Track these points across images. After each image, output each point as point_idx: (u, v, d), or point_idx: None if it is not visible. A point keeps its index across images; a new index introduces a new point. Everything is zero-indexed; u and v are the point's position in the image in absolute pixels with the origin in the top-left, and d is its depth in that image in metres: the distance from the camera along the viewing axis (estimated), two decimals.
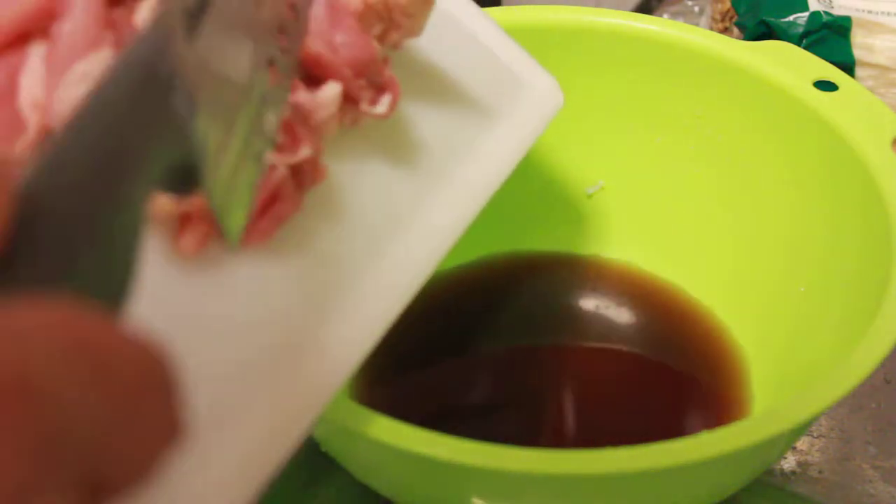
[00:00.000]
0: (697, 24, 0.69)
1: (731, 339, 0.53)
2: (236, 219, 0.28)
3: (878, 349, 0.38)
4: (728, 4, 0.70)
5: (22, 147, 0.29)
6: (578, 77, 0.55)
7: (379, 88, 0.36)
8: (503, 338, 0.55)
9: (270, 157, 0.31)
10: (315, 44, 0.34)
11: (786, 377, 0.47)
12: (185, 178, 0.25)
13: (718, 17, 0.71)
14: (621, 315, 0.56)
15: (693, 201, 0.56)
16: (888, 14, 0.65)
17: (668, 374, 0.53)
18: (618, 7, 0.58)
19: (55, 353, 0.18)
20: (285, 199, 0.33)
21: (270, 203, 0.32)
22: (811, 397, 0.37)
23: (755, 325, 0.52)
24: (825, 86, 0.50)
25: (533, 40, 0.54)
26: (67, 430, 0.18)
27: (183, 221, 0.31)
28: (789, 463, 0.50)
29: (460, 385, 0.52)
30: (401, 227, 0.37)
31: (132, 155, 0.22)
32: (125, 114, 0.23)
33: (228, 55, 0.27)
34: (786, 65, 0.51)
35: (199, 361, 0.29)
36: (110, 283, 0.21)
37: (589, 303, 0.56)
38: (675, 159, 0.56)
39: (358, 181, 0.37)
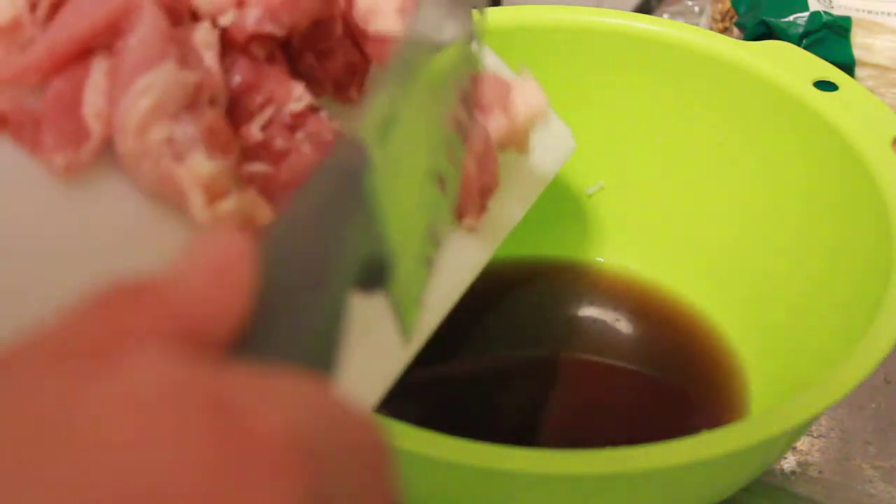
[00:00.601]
0: (697, 24, 0.69)
1: (728, 341, 0.53)
2: (411, 315, 0.29)
3: (877, 351, 0.38)
4: (728, 4, 0.70)
5: (87, 154, 0.31)
6: (578, 77, 0.55)
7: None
8: (500, 343, 0.54)
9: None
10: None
11: (785, 379, 0.47)
12: (373, 276, 0.27)
13: (718, 17, 0.71)
14: (619, 319, 0.56)
15: (692, 202, 0.56)
16: (888, 14, 0.65)
17: (667, 378, 0.53)
18: (618, 7, 0.58)
19: (318, 419, 0.20)
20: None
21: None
22: (810, 399, 0.37)
23: (754, 327, 0.52)
24: (825, 86, 0.51)
25: (532, 41, 0.54)
26: (331, 497, 0.19)
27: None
28: (789, 463, 0.49)
29: (456, 391, 0.52)
30: None
31: (337, 246, 0.25)
32: (330, 210, 0.25)
33: (410, 163, 0.30)
34: (786, 65, 0.51)
35: None
36: (325, 357, 0.23)
37: (588, 308, 0.57)
38: (675, 160, 0.56)
39: None
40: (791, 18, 0.65)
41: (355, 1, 0.39)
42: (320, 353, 0.23)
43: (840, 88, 0.50)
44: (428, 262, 0.31)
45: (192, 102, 0.30)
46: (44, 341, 0.19)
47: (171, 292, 0.21)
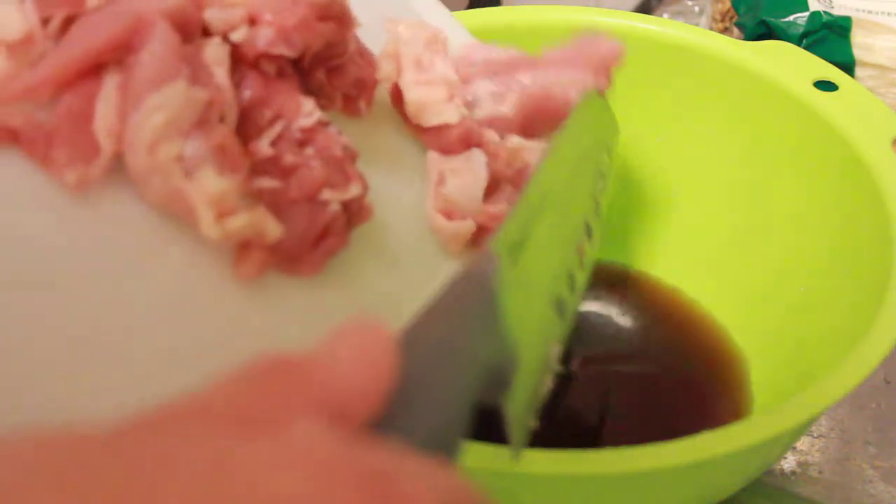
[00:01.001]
0: (697, 25, 0.69)
1: (730, 339, 0.53)
2: (523, 431, 0.30)
3: (878, 350, 0.38)
4: (728, 4, 0.70)
5: (97, 170, 0.31)
6: None
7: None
8: None
9: (324, 196, 0.34)
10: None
11: (786, 379, 0.47)
12: (494, 384, 0.27)
13: (718, 17, 0.71)
14: (620, 318, 0.56)
15: (692, 201, 0.56)
16: (888, 14, 0.65)
17: (668, 377, 0.53)
18: (618, 7, 0.58)
19: (454, 498, 0.22)
20: (336, 234, 0.35)
21: (322, 237, 0.34)
22: (810, 398, 0.37)
23: (755, 325, 0.53)
24: (825, 86, 0.51)
25: (533, 41, 0.54)
26: None
27: (242, 249, 0.33)
28: (789, 463, 0.50)
29: None
30: (433, 267, 0.40)
31: (468, 348, 0.26)
32: (463, 313, 0.27)
33: (536, 287, 0.32)
34: (786, 65, 0.52)
35: None
36: (450, 446, 0.24)
37: (589, 306, 0.57)
38: (675, 159, 0.56)
39: (397, 223, 0.39)
40: (791, 18, 0.65)
41: (405, 100, 0.40)
42: (446, 443, 0.24)
43: (840, 88, 0.50)
44: (539, 384, 0.31)
45: (202, 119, 0.30)
46: (210, 402, 0.21)
47: (322, 371, 0.22)
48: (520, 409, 0.29)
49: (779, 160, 0.52)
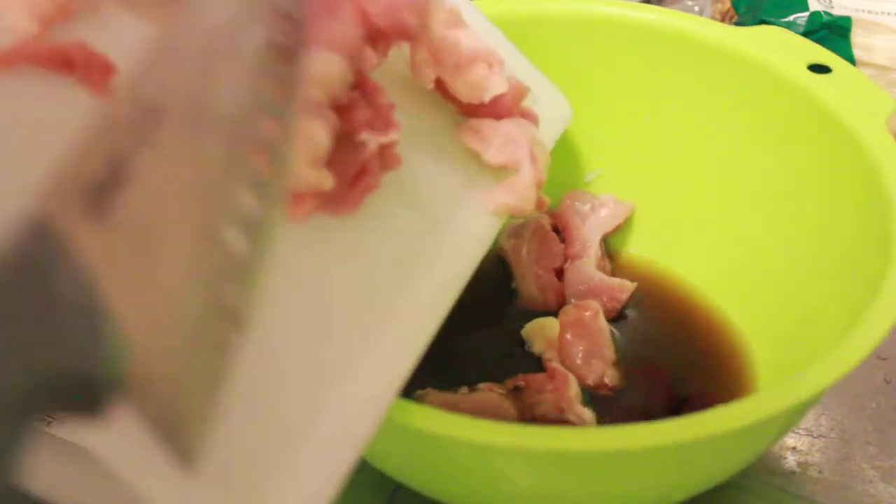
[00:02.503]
0: None
1: (730, 324, 0.53)
2: (191, 430, 0.22)
3: (877, 329, 0.38)
4: (728, 4, 0.70)
5: None
6: (574, 66, 0.55)
7: None
8: (512, 322, 0.54)
9: (363, 137, 0.33)
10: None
11: (789, 358, 0.47)
12: (93, 394, 0.20)
13: (718, 16, 0.71)
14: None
15: (691, 187, 0.56)
16: (888, 14, 0.65)
17: (668, 362, 0.52)
18: None
19: None
20: (371, 174, 0.36)
21: (359, 176, 0.36)
22: (813, 376, 0.37)
23: (754, 309, 0.52)
24: (819, 69, 0.51)
25: (527, 31, 0.55)
26: None
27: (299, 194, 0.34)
28: (789, 463, 0.49)
29: (461, 369, 0.52)
30: (461, 215, 0.42)
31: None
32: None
33: (165, 225, 0.23)
34: (780, 49, 0.52)
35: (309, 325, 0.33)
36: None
37: None
38: (672, 145, 0.56)
39: (413, 182, 0.41)
40: (791, 18, 0.65)
41: (455, 91, 0.42)
42: None
43: (834, 71, 0.50)
44: (214, 348, 0.23)
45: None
46: None
47: None
48: (176, 406, 0.21)
49: (775, 142, 0.52)
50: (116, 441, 0.26)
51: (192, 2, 0.27)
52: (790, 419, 0.43)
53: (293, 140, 0.28)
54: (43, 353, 0.19)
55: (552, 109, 0.50)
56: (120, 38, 0.34)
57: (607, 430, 0.35)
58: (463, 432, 0.35)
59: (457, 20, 0.42)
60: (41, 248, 0.20)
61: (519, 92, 0.45)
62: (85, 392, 0.20)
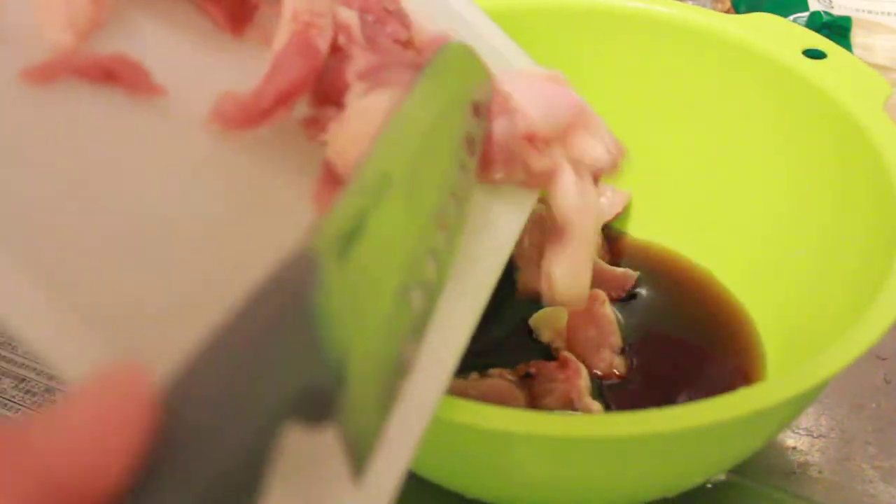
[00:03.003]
0: None
1: (741, 307, 0.53)
2: (366, 452, 0.26)
3: (885, 316, 0.38)
4: (728, 4, 0.70)
5: None
6: (569, 56, 0.55)
7: None
8: (524, 307, 0.54)
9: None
10: None
11: (799, 345, 0.47)
12: (317, 408, 0.23)
13: None
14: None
15: (692, 174, 0.56)
16: (888, 14, 0.65)
17: (679, 346, 0.52)
18: None
19: None
20: None
21: None
22: (822, 363, 0.37)
23: (763, 293, 0.53)
24: (814, 54, 0.51)
25: (523, 22, 0.55)
26: None
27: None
28: (789, 463, 0.49)
29: (477, 356, 0.52)
30: None
31: (266, 381, 0.21)
32: (266, 337, 0.22)
33: (379, 279, 0.27)
34: (774, 35, 0.52)
35: None
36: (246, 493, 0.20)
37: None
38: (671, 134, 0.57)
39: None
40: (791, 18, 0.65)
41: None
42: (239, 489, 0.20)
43: (829, 56, 0.51)
44: (391, 393, 0.27)
45: None
46: None
47: (45, 442, 0.18)
48: (360, 430, 0.25)
49: (773, 129, 0.52)
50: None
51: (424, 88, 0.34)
52: (797, 406, 0.43)
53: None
54: (299, 360, 0.23)
55: None
56: (148, 48, 0.35)
57: (623, 416, 0.35)
58: (478, 420, 0.35)
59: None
60: (305, 273, 0.24)
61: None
62: (317, 405, 0.23)
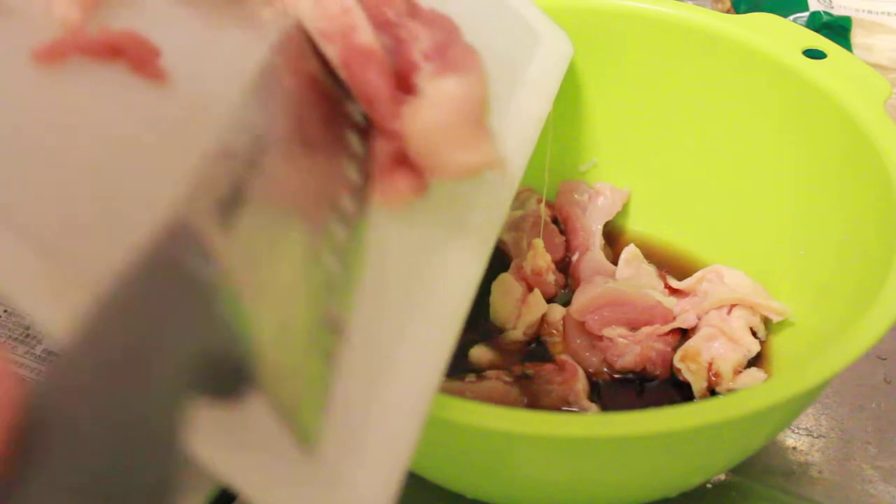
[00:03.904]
0: None
1: None
2: (308, 419, 0.25)
3: (885, 316, 0.38)
4: (728, 4, 0.70)
5: None
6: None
7: None
8: None
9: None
10: None
11: (802, 344, 0.48)
12: (231, 379, 0.23)
13: None
14: None
15: (692, 174, 0.56)
16: (888, 14, 0.65)
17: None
18: None
19: None
20: None
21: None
22: (822, 363, 0.37)
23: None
24: (814, 54, 0.51)
25: None
26: None
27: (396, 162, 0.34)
28: (789, 463, 0.49)
29: (461, 363, 0.52)
30: None
31: (157, 358, 0.20)
32: (154, 311, 0.21)
33: (279, 238, 0.26)
34: (775, 35, 0.52)
35: None
36: (140, 495, 0.19)
37: None
38: (670, 133, 0.57)
39: None
40: (791, 18, 0.65)
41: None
42: (121, 486, 0.19)
43: (829, 56, 0.51)
44: (325, 355, 0.26)
45: None
46: None
47: None
48: (294, 398, 0.24)
49: (773, 129, 0.52)
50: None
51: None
52: (798, 406, 0.43)
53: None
54: (192, 335, 0.22)
55: (554, 47, 0.50)
56: (156, 23, 0.35)
57: (623, 416, 0.35)
58: (478, 420, 0.35)
59: None
60: (184, 247, 0.23)
61: None
62: (226, 373, 0.22)
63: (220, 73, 0.34)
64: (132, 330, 0.21)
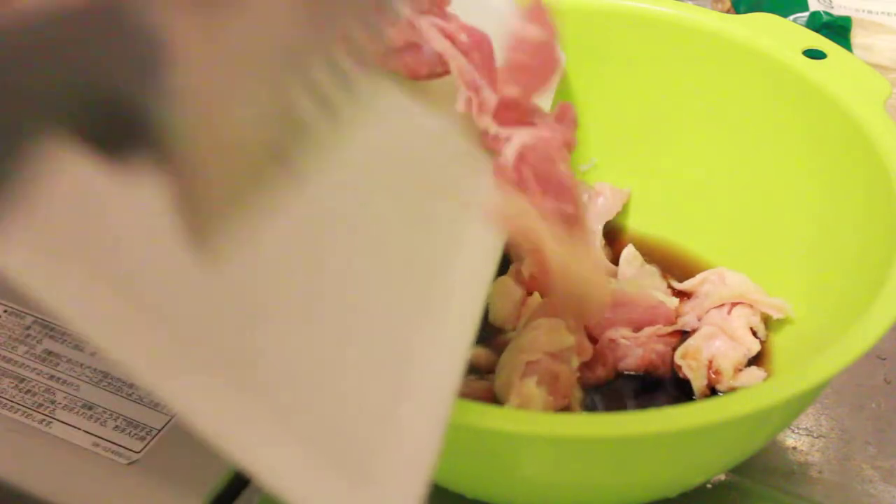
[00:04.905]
0: None
1: None
2: (207, 219, 0.22)
3: (885, 316, 0.38)
4: (728, 4, 0.70)
5: None
6: (570, 56, 0.55)
7: None
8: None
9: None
10: None
11: (802, 344, 0.48)
12: (120, 133, 0.20)
13: None
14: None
15: (692, 173, 0.56)
16: (888, 14, 0.65)
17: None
18: None
19: None
20: None
21: None
22: (822, 363, 0.37)
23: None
24: (814, 54, 0.51)
25: None
26: None
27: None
28: (789, 463, 0.49)
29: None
30: None
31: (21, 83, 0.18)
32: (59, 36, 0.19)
33: (248, 58, 0.23)
34: (774, 36, 0.52)
35: None
36: None
37: None
38: (668, 133, 0.57)
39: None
40: (791, 18, 0.65)
41: None
42: None
43: (829, 56, 0.51)
44: (258, 175, 0.23)
45: None
46: None
47: None
48: (205, 186, 0.21)
49: (773, 129, 0.52)
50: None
51: None
52: (798, 406, 0.43)
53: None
54: (97, 68, 0.19)
55: None
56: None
57: (623, 416, 0.36)
58: (478, 420, 0.35)
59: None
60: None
61: None
62: (119, 123, 0.20)
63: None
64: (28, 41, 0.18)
